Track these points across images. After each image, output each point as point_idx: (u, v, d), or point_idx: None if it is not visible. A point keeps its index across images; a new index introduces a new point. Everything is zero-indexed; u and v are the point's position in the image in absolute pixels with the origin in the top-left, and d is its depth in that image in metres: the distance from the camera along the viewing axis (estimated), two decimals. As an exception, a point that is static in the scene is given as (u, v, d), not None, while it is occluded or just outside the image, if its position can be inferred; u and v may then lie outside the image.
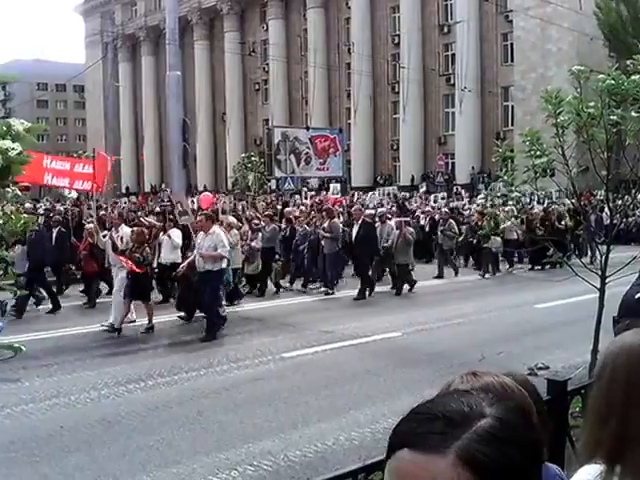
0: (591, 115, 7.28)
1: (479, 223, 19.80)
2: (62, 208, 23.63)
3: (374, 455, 3.18)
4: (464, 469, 0.91)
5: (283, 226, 18.91)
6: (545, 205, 23.49)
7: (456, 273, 20.16)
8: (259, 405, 8.13)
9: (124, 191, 58.46)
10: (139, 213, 24.69)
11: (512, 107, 44.87)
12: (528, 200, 20.53)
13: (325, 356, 10.69)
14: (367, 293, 16.38)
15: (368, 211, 22.45)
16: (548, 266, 20.20)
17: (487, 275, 20.33)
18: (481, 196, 26.42)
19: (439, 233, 20.74)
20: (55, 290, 15.83)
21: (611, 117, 7.24)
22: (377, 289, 17.13)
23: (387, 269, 18.23)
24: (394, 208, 26.44)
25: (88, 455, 6.68)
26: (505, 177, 8.23)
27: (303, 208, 23.52)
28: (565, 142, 7.60)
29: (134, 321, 13.12)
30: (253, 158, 35.68)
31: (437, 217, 23.53)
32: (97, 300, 15.76)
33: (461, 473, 0.91)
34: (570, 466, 2.19)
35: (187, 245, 15.00)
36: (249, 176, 34.51)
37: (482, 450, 0.93)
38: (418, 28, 48.95)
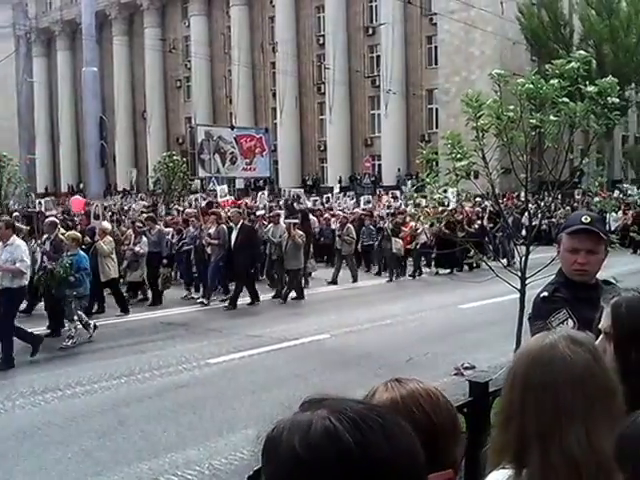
0: (511, 119, 7.35)
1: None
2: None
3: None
4: None
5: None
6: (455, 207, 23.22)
7: (354, 279, 19.22)
8: (183, 413, 7.97)
9: (43, 191, 56.57)
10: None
11: (436, 110, 45.14)
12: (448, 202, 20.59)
13: (252, 361, 10.53)
14: (238, 301, 15.32)
15: (258, 212, 21.96)
16: (456, 269, 20.51)
17: (393, 278, 19.65)
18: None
19: (337, 238, 19.97)
20: None
21: (530, 121, 7.32)
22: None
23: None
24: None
25: (1, 469, 6.48)
26: (428, 179, 8.20)
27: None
28: (486, 145, 7.64)
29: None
30: (175, 157, 35.00)
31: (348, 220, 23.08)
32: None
33: None
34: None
35: None
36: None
37: None
38: (343, 29, 48.94)
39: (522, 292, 7.83)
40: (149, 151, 57.03)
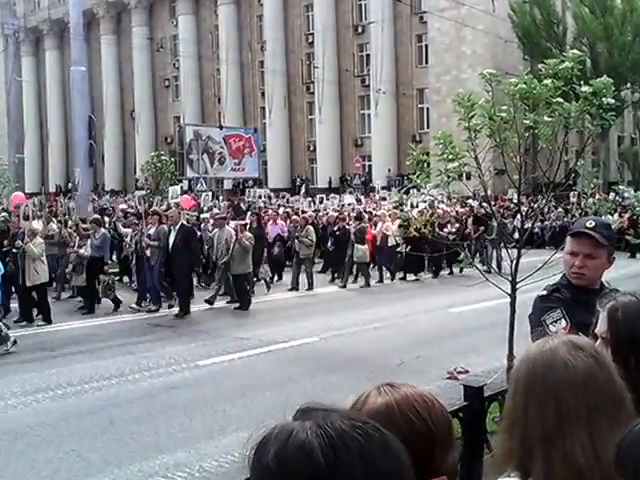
0: (504, 119, 7.27)
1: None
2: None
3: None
4: None
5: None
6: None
7: (310, 285, 18.02)
8: (174, 415, 7.92)
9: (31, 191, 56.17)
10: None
11: (427, 109, 44.92)
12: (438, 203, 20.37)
13: (242, 363, 10.48)
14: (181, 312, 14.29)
15: (203, 215, 21.18)
16: (422, 274, 19.92)
17: (345, 284, 18.61)
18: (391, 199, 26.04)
19: (295, 240, 18.69)
20: None
21: (524, 121, 7.26)
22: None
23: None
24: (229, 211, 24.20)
25: None
26: (418, 180, 8.10)
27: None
28: (478, 146, 7.55)
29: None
30: (163, 157, 34.74)
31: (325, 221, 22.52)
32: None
33: None
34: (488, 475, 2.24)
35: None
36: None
37: None
38: (332, 28, 48.64)
39: (513, 296, 7.76)
40: (137, 151, 56.80)
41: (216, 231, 16.29)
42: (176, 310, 14.46)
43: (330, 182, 46.98)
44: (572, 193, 28.16)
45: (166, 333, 12.83)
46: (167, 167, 33.79)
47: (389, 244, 19.16)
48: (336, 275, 19.65)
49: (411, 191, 10.41)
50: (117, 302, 14.92)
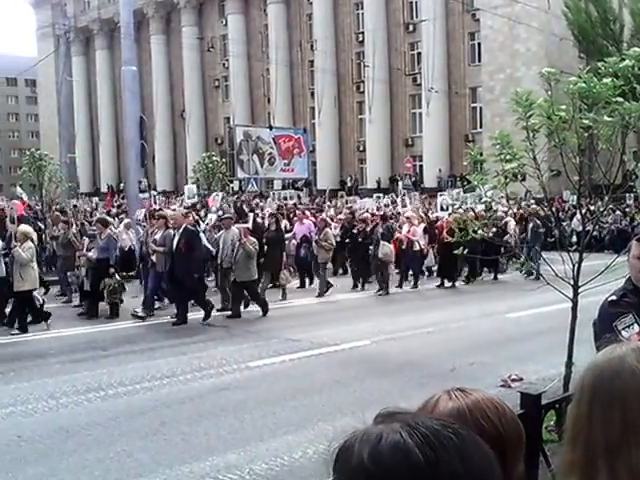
0: (562, 119, 7.08)
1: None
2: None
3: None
4: None
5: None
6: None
7: (320, 293, 17.24)
8: (224, 416, 7.92)
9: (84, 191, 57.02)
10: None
11: (480, 108, 44.35)
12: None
13: (292, 365, 10.43)
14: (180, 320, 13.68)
15: (211, 215, 20.05)
16: (462, 282, 19.27)
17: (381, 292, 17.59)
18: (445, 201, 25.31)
19: (314, 243, 18.05)
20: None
21: (583, 121, 7.04)
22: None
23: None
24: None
25: (46, 467, 6.49)
26: (475, 181, 8.02)
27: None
28: (536, 145, 7.39)
29: None
30: (214, 158, 34.87)
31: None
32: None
33: None
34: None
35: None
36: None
37: None
38: (383, 26, 48.25)
39: (574, 301, 7.51)
40: (188, 151, 57.15)
41: (222, 232, 15.50)
42: (229, 312, 14.34)
43: (379, 182, 46.62)
44: (628, 195, 27.33)
45: (218, 333, 12.90)
46: (218, 168, 33.89)
47: (414, 248, 18.65)
48: (359, 282, 18.58)
49: (457, 195, 10.20)
50: (116, 308, 14.24)
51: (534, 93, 7.31)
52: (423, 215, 21.40)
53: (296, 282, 18.71)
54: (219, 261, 15.15)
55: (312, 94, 52.34)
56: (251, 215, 18.96)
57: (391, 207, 26.89)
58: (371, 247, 17.92)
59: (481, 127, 42.70)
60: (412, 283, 18.82)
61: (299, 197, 34.61)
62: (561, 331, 7.85)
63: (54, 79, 62.74)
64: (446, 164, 45.22)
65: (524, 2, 36.99)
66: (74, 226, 16.53)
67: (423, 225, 19.54)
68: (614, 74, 6.81)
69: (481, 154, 8.24)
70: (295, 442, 7.02)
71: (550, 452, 3.06)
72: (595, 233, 22.98)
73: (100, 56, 65.46)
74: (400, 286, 18.57)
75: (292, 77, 54.01)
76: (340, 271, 21.00)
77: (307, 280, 18.95)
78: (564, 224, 20.89)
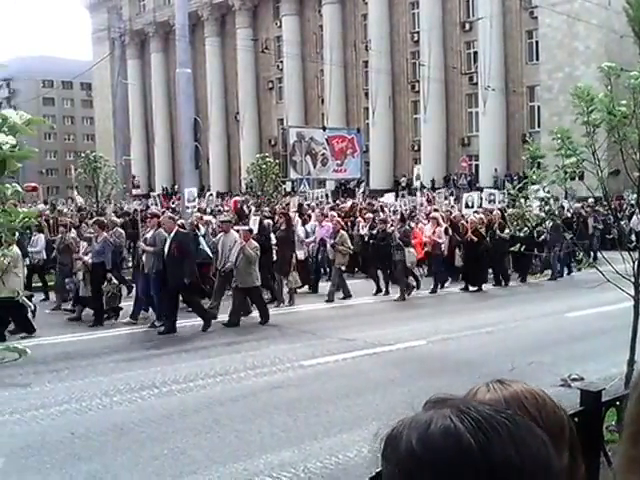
0: (623, 114, 7.18)
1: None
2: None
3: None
4: None
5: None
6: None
7: (329, 297, 16.45)
8: (278, 414, 8.00)
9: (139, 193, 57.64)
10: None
11: (538, 107, 43.55)
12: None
13: (346, 364, 10.45)
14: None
15: (207, 217, 19.58)
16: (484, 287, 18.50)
17: (406, 296, 16.76)
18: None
19: (329, 247, 17.45)
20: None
21: None
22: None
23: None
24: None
25: (100, 463, 6.58)
26: (534, 176, 8.08)
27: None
28: (597, 141, 7.54)
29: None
30: (268, 159, 34.88)
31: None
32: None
33: None
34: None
35: None
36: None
37: None
38: (438, 25, 47.75)
39: (637, 299, 7.59)
40: (242, 153, 57.33)
41: (221, 236, 14.85)
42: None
43: (433, 182, 46.04)
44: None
45: (272, 332, 12.92)
46: (271, 169, 33.88)
47: (437, 251, 18.16)
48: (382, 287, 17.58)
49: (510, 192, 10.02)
50: (116, 311, 13.88)
51: (594, 90, 7.39)
52: (443, 214, 20.62)
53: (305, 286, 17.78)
54: (218, 266, 14.50)
55: (366, 94, 52.12)
56: (255, 218, 17.72)
57: (426, 205, 26.40)
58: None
59: (539, 126, 41.93)
60: (431, 287, 17.86)
61: (327, 196, 34.07)
62: (623, 330, 7.83)
63: (109, 82, 63.82)
64: (502, 163, 44.58)
65: (584, -2, 36.19)
66: (72, 230, 16.00)
67: (445, 225, 18.84)
68: (677, 70, 6.92)
69: (539, 150, 8.35)
70: (349, 441, 6.98)
71: (611, 452, 2.96)
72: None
73: (155, 59, 66.16)
74: (434, 290, 17.83)
75: (346, 77, 53.84)
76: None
77: (315, 283, 18.17)
78: (622, 223, 20.18)
